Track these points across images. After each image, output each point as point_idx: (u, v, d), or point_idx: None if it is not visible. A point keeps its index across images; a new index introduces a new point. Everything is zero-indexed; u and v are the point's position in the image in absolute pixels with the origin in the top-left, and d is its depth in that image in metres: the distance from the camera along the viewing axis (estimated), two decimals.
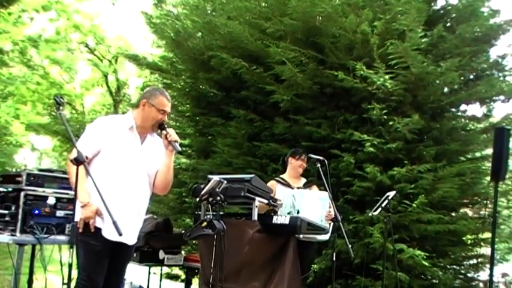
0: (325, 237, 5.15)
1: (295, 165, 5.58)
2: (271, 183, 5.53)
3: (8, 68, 20.63)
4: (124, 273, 4.12)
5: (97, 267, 3.69)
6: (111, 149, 3.70)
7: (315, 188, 5.56)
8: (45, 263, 5.06)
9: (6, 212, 5.14)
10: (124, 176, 3.76)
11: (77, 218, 3.68)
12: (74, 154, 3.66)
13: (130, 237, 3.85)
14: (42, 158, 31.84)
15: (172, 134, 3.88)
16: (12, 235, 4.98)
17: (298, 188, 5.47)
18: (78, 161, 3.21)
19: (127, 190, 3.77)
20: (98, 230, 3.66)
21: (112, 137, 3.76)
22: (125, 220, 3.56)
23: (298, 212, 4.93)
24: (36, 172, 5.21)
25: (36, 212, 5.06)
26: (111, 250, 3.76)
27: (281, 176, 5.68)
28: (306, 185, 5.59)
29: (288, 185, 5.50)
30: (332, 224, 5.10)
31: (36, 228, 4.97)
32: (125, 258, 3.99)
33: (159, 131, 3.96)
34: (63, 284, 4.96)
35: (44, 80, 22.92)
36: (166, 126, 3.92)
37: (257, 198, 4.65)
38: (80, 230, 3.60)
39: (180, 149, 3.95)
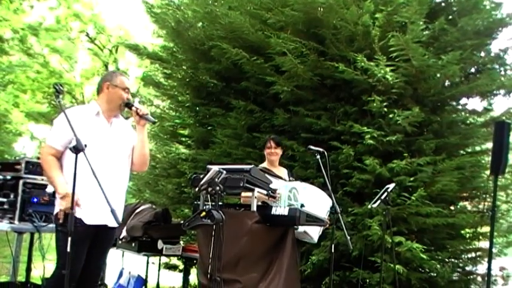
0: (313, 239, 5.14)
1: (266, 155, 5.56)
2: None
3: (8, 56, 20.59)
4: (105, 259, 4.14)
5: (76, 256, 3.70)
6: (82, 136, 3.70)
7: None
8: (43, 252, 5.07)
9: (4, 200, 5.16)
10: (100, 161, 3.76)
11: (56, 209, 3.75)
12: (51, 145, 3.80)
13: (113, 220, 3.88)
14: (41, 146, 31.79)
15: (141, 108, 3.99)
16: (10, 223, 4.99)
17: (281, 178, 5.41)
18: (77, 149, 3.20)
19: (105, 174, 3.76)
20: (78, 219, 3.67)
21: (81, 125, 3.75)
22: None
23: (302, 206, 4.88)
24: (35, 160, 5.21)
25: (35, 200, 5.07)
26: (94, 235, 3.81)
27: (262, 165, 5.55)
28: (291, 177, 5.55)
29: (276, 175, 5.42)
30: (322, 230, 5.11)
31: (35, 216, 4.98)
32: (108, 242, 4.05)
33: (126, 109, 4.04)
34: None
35: (44, 68, 22.88)
36: (133, 103, 4.00)
37: (256, 189, 4.65)
38: (61, 221, 3.64)
39: (154, 119, 4.10)
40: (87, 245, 3.80)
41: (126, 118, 4.20)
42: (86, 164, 3.44)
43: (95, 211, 3.64)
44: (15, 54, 21.13)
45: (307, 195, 4.97)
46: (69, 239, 3.28)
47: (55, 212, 3.84)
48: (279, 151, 5.51)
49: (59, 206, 3.66)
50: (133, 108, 3.98)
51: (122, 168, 4.04)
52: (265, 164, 5.58)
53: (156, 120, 4.14)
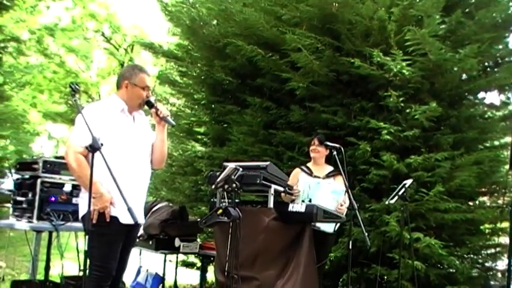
0: (328, 229, 5.13)
1: (310, 151, 5.58)
2: (296, 171, 5.55)
3: (25, 57, 20.80)
4: (129, 256, 4.12)
5: (110, 256, 3.71)
6: (109, 134, 3.68)
7: (339, 178, 5.46)
8: (61, 250, 5.11)
9: (23, 199, 5.20)
10: (127, 158, 3.78)
11: (85, 209, 3.56)
12: (76, 143, 3.68)
13: (141, 216, 3.89)
14: (58, 146, 32.09)
15: (162, 109, 3.95)
16: (29, 222, 5.03)
17: (317, 176, 5.43)
18: (93, 148, 3.15)
19: (132, 171, 3.80)
20: (113, 218, 3.67)
21: (107, 122, 3.74)
22: (135, 203, 3.56)
23: (310, 201, 4.91)
24: (52, 159, 5.25)
25: (53, 199, 5.10)
26: (126, 234, 3.81)
27: (307, 164, 5.63)
28: (330, 174, 5.52)
29: (310, 173, 5.46)
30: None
31: (53, 215, 5.01)
32: (134, 239, 4.06)
33: (146, 107, 4.00)
34: (80, 270, 5.00)
35: (60, 68, 23.08)
36: (153, 102, 3.96)
37: (273, 186, 4.64)
38: (94, 221, 3.57)
39: (174, 123, 4.06)
40: (121, 244, 3.79)
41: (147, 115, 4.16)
42: (113, 164, 3.36)
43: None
44: (32, 54, 21.34)
45: (318, 191, 4.99)
46: (87, 237, 3.26)
47: (82, 214, 3.78)
48: (321, 149, 5.50)
49: (92, 205, 3.47)
50: (153, 109, 3.95)
51: (146, 165, 4.01)
52: (310, 163, 5.62)
53: (175, 124, 4.10)
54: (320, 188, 5.09)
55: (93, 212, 3.58)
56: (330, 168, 5.55)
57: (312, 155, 5.56)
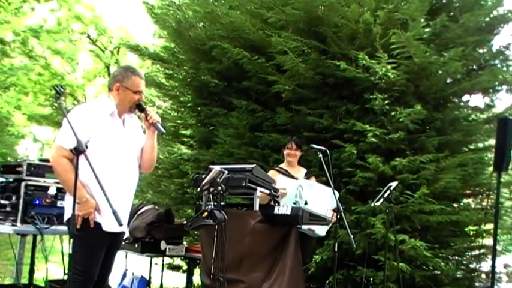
0: (321, 232, 5.15)
1: (285, 155, 5.66)
2: (272, 173, 5.52)
3: (10, 59, 20.61)
4: (113, 261, 4.08)
5: (93, 261, 3.66)
6: (98, 138, 3.63)
7: (313, 179, 5.57)
8: (46, 254, 5.06)
9: (7, 202, 5.13)
10: (114, 162, 3.72)
11: (70, 212, 3.50)
12: (62, 146, 3.58)
13: (125, 224, 3.83)
14: (44, 149, 31.81)
15: (152, 115, 3.88)
16: (13, 225, 4.97)
17: (296, 178, 5.45)
18: (77, 151, 3.11)
19: (120, 177, 3.75)
20: (97, 224, 3.63)
21: (96, 125, 3.67)
22: (121, 207, 3.52)
23: (306, 203, 4.90)
24: (37, 162, 5.19)
25: (37, 202, 5.05)
26: (110, 241, 3.77)
27: (280, 165, 5.66)
28: (306, 176, 5.57)
29: (290, 175, 5.48)
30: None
31: (37, 218, 4.96)
32: (118, 245, 4.00)
33: (137, 111, 3.92)
34: (65, 274, 4.96)
35: (45, 70, 22.89)
36: (145, 106, 3.90)
37: (258, 188, 4.64)
38: (78, 226, 3.51)
39: (163, 130, 3.96)
40: (104, 250, 3.75)
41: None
42: (100, 168, 3.33)
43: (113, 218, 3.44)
44: (17, 56, 21.16)
45: (312, 192, 4.99)
46: (71, 240, 3.23)
47: (67, 217, 3.72)
48: (298, 153, 5.63)
49: (76, 211, 3.43)
50: (143, 113, 3.87)
51: (133, 170, 3.95)
52: (283, 165, 5.68)
53: (164, 131, 4.04)
54: (314, 189, 5.08)
55: (77, 217, 3.53)
56: (304, 169, 5.62)
57: (288, 159, 5.63)
